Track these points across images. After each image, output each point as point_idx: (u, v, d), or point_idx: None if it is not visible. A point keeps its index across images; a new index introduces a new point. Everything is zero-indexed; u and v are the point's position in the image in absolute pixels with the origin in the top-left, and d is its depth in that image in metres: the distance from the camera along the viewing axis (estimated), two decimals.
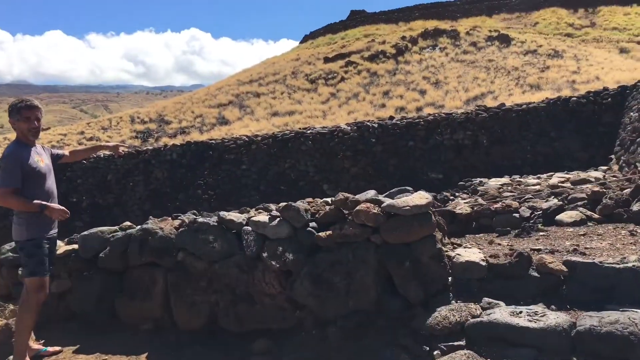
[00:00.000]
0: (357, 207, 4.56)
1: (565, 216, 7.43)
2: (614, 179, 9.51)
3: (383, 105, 34.88)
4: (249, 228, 5.02)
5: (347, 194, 4.76)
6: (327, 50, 46.94)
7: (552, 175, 12.23)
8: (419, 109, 31.92)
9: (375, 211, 4.49)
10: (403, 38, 43.37)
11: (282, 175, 18.47)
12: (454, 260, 4.46)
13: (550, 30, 43.64)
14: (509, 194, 9.24)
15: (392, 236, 4.46)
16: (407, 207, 4.40)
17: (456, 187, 14.58)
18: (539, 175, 12.53)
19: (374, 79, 39.97)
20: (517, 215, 7.99)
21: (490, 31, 43.26)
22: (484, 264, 4.37)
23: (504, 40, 41.59)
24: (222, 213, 5.21)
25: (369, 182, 17.53)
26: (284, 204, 4.86)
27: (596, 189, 7.76)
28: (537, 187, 10.27)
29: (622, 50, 40.43)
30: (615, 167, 12.00)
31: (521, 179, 11.92)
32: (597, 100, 15.38)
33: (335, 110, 35.95)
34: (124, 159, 20.02)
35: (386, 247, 4.50)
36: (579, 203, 7.66)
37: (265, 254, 4.81)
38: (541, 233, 6.93)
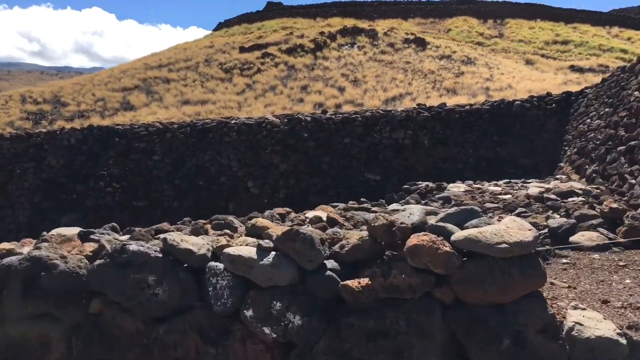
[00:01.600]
0: (414, 241, 2.65)
1: (583, 238, 5.95)
2: (598, 190, 8.29)
3: (301, 100, 33.20)
4: (220, 265, 2.96)
5: (389, 216, 2.82)
6: (243, 40, 44.42)
7: (509, 182, 10.98)
8: (337, 106, 30.55)
9: (446, 249, 2.60)
10: (322, 33, 41.84)
11: (200, 169, 16.09)
12: (572, 333, 2.66)
13: (463, 37, 43.91)
14: (491, 204, 7.71)
15: (473, 293, 2.59)
16: (505, 246, 2.55)
17: (400, 190, 13.07)
18: (495, 182, 11.24)
19: (292, 73, 38.14)
20: None
21: (407, 34, 42.81)
22: (623, 341, 2.62)
23: (420, 43, 41.26)
24: (171, 236, 3.09)
25: (299, 180, 15.65)
26: (285, 229, 2.85)
27: (614, 205, 6.35)
28: (508, 196, 8.85)
29: (528, 62, 41.36)
30: (575, 177, 10.95)
31: (481, 186, 10.54)
32: (542, 105, 14.47)
33: (252, 102, 33.76)
34: (11, 141, 16.69)
35: (461, 311, 2.63)
36: (594, 222, 6.22)
37: (248, 313, 2.78)
38: (563, 260, 5.36)
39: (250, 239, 3.15)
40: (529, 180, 11.28)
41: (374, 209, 5.70)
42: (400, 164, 14.85)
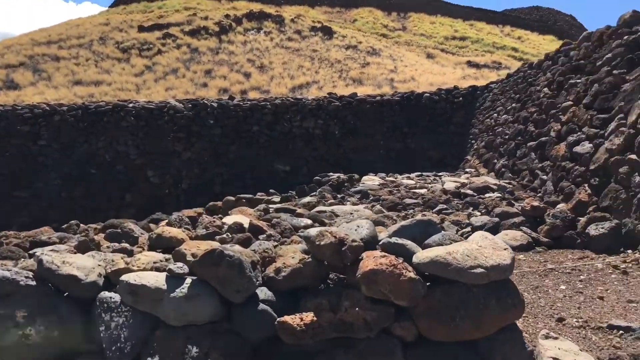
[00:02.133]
0: (370, 264, 2.11)
1: (507, 237, 5.74)
2: (511, 186, 8.24)
3: (205, 85, 31.89)
4: (116, 297, 2.24)
5: (336, 231, 2.26)
6: (142, 18, 41.90)
7: (422, 175, 10.84)
8: (243, 92, 29.63)
9: (410, 274, 2.08)
10: (227, 16, 40.39)
11: (93, 156, 14.68)
12: None
13: (368, 28, 44.26)
14: (411, 200, 7.39)
15: (441, 328, 2.10)
16: (481, 271, 2.07)
17: (311, 181, 12.61)
18: (407, 175, 11.05)
19: (195, 56, 36.52)
20: None
21: (313, 22, 42.40)
22: None
23: (327, 32, 41.03)
24: (48, 257, 2.32)
25: (203, 170, 14.72)
26: (203, 246, 2.19)
27: (535, 203, 6.21)
28: (423, 190, 8.64)
29: (429, 56, 42.42)
30: (484, 171, 11.01)
31: (394, 179, 10.28)
32: (449, 98, 14.56)
33: (151, 85, 31.91)
34: None
35: (426, 349, 2.12)
36: (516, 220, 6.03)
37: None
38: None
39: (155, 256, 2.45)
40: (440, 173, 11.21)
41: (299, 210, 5.10)
42: (311, 154, 14.38)
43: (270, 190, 12.88)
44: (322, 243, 2.17)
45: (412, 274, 2.11)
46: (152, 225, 3.81)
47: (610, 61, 6.94)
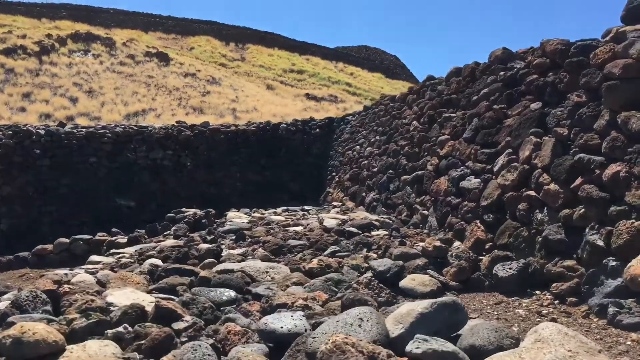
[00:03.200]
0: None
1: (415, 282, 5.21)
2: (391, 221, 7.86)
3: (23, 109, 28.28)
4: None
5: (354, 342, 1.37)
6: None
7: (288, 210, 10.14)
8: (70, 118, 26.75)
9: None
10: (49, 36, 36.60)
11: None
12: None
13: (206, 57, 43.14)
14: (295, 241, 6.59)
15: None
16: None
17: (163, 219, 11.27)
18: (273, 210, 10.27)
19: (11, 77, 32.43)
20: (342, 278, 5.44)
21: (148, 47, 40.32)
22: None
23: (164, 58, 39.25)
24: None
25: (28, 208, 12.46)
26: None
27: (437, 243, 5.79)
28: (299, 227, 7.94)
29: (269, 87, 42.60)
30: (351, 204, 10.66)
31: (262, 215, 9.44)
32: (306, 129, 14.20)
33: None
34: None
35: None
36: (419, 262, 5.55)
37: None
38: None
39: None
40: (307, 208, 10.63)
41: (202, 272, 4.02)
42: (159, 188, 12.96)
43: (113, 230, 11.26)
44: None
45: None
46: None
47: (488, 96, 6.93)
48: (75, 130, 12.84)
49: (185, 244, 6.99)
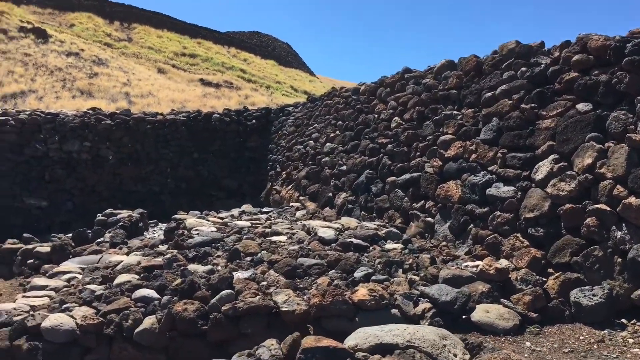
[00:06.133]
0: None
1: (491, 316, 4.29)
2: (397, 231, 6.86)
3: None
4: None
5: None
6: None
7: (249, 214, 8.76)
8: None
9: None
10: None
11: None
12: None
13: (89, 35, 38.83)
14: (309, 261, 5.35)
15: None
16: None
17: (88, 221, 9.48)
18: (230, 214, 8.83)
19: None
20: (396, 312, 4.36)
21: (22, 21, 35.60)
22: None
23: (41, 35, 34.83)
24: None
25: None
26: None
27: (499, 265, 4.90)
28: (282, 237, 6.72)
29: (160, 70, 39.61)
30: (311, 205, 9.50)
31: (224, 220, 7.95)
32: (241, 120, 12.73)
33: None
34: None
35: None
36: (481, 288, 4.63)
37: None
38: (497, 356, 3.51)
39: None
40: (266, 210, 9.32)
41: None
42: (76, 185, 10.86)
43: (25, 235, 9.20)
44: None
45: None
46: None
47: (510, 94, 6.17)
48: None
49: (169, 262, 5.45)
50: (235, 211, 8.99)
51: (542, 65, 6.00)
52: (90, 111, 11.64)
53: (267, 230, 7.05)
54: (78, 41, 37.89)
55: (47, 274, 6.36)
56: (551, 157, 5.37)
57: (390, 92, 8.71)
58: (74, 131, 10.89)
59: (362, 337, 2.86)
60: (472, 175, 6.22)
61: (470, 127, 6.63)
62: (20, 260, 8.61)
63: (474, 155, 6.36)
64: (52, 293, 5.37)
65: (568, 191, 5.02)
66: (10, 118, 10.49)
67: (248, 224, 7.61)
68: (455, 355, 2.59)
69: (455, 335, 3.07)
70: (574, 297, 4.50)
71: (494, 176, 5.96)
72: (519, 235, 5.39)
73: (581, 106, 5.32)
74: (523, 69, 6.19)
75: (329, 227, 6.79)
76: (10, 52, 31.80)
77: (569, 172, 5.10)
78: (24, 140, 10.45)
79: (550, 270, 4.95)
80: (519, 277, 4.82)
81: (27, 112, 10.88)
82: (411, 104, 7.94)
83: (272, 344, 2.97)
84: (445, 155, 6.80)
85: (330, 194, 9.17)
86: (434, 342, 2.67)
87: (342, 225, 7.00)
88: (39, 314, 4.40)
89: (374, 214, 7.84)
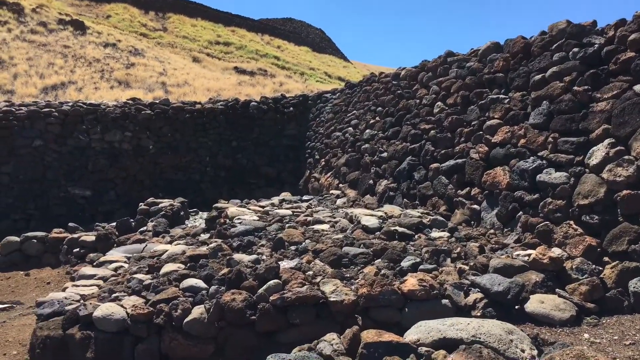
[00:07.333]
0: None
1: (546, 307, 4.17)
2: (442, 219, 6.73)
3: None
4: None
5: None
6: None
7: (290, 202, 8.75)
8: None
9: None
10: None
11: None
12: None
13: (125, 26, 39.47)
14: (354, 249, 5.30)
15: None
16: None
17: (131, 211, 9.65)
18: (270, 202, 8.84)
19: None
20: (447, 302, 4.27)
21: (60, 14, 36.33)
22: None
23: (79, 27, 35.51)
24: None
25: None
26: None
27: (552, 254, 4.75)
28: (325, 225, 6.69)
29: (195, 59, 39.97)
30: (351, 192, 9.44)
31: (265, 208, 7.95)
32: (279, 108, 12.72)
33: None
34: None
35: None
36: (535, 278, 4.50)
37: None
38: (561, 353, 3.38)
39: None
40: (306, 198, 9.30)
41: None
42: (119, 174, 11.06)
43: (70, 224, 9.42)
44: None
45: None
46: None
47: (561, 76, 5.94)
48: (13, 109, 10.56)
49: (214, 252, 5.49)
50: (276, 199, 8.99)
51: (596, 46, 5.74)
52: (130, 101, 11.82)
53: (309, 218, 7.02)
54: (115, 32, 38.52)
55: (94, 263, 6.51)
56: (607, 141, 5.15)
57: (433, 77, 8.53)
58: (115, 121, 11.08)
59: (423, 331, 2.79)
60: (521, 161, 6.04)
61: (518, 112, 6.43)
62: (66, 249, 8.85)
63: (522, 140, 6.17)
64: (101, 282, 5.47)
65: (626, 177, 4.80)
66: (54, 109, 10.74)
67: (289, 212, 7.59)
68: (523, 351, 2.50)
69: (519, 328, 2.96)
70: (634, 287, 4.33)
71: (544, 162, 5.77)
72: (572, 222, 5.21)
73: (639, 87, 5.08)
74: (575, 49, 5.94)
75: (372, 215, 6.72)
76: (50, 44, 32.55)
77: (626, 157, 4.88)
78: (67, 132, 10.70)
79: (606, 259, 4.77)
80: (574, 267, 4.66)
81: (70, 104, 11.12)
82: (455, 88, 7.75)
83: (333, 338, 2.94)
84: (492, 141, 6.62)
85: (371, 181, 9.08)
86: (500, 337, 2.59)
87: (385, 213, 6.91)
88: (91, 303, 4.48)
89: (417, 202, 7.73)
